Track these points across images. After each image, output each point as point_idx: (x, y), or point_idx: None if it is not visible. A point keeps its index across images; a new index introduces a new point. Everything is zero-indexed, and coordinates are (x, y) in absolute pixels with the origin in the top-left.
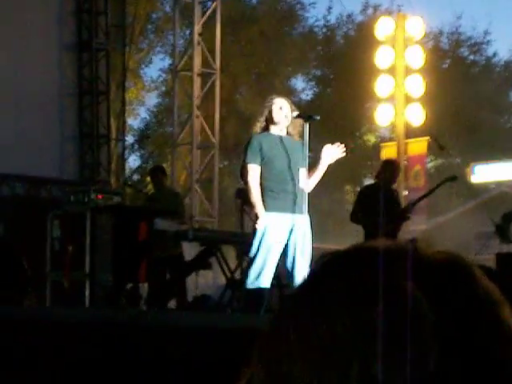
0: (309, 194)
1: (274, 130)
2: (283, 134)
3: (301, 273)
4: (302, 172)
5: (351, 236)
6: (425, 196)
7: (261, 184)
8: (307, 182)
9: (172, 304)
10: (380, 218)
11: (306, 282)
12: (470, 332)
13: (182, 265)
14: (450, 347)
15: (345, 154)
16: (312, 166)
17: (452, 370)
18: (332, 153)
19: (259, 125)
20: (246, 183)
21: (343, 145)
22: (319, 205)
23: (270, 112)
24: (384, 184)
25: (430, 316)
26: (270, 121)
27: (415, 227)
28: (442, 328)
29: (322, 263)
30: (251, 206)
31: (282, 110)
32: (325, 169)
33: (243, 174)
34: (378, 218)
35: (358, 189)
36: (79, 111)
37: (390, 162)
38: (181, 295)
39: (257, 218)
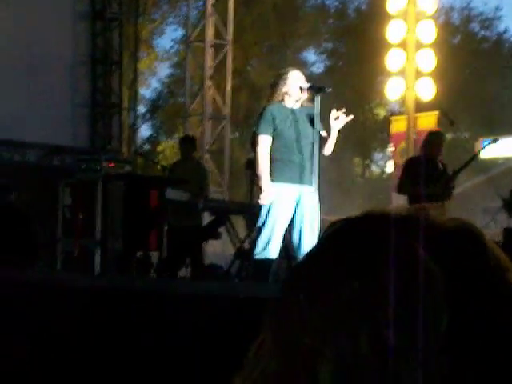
0: (318, 165)
1: (288, 101)
2: (297, 105)
3: (308, 245)
4: (322, 135)
5: (360, 208)
6: (467, 164)
7: (270, 155)
8: (325, 145)
9: (183, 273)
10: (425, 188)
11: (316, 248)
12: (480, 297)
13: (194, 235)
14: (461, 311)
15: (352, 117)
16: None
17: (463, 334)
18: (340, 118)
19: (274, 96)
20: (256, 153)
21: (344, 109)
22: (328, 177)
23: (285, 84)
24: (428, 156)
25: (440, 280)
26: (285, 92)
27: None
28: (453, 292)
29: (333, 230)
30: (259, 177)
31: (297, 82)
32: (336, 135)
33: (254, 144)
34: (424, 188)
35: (368, 162)
36: (92, 80)
37: (434, 133)
38: (195, 263)
39: (262, 193)
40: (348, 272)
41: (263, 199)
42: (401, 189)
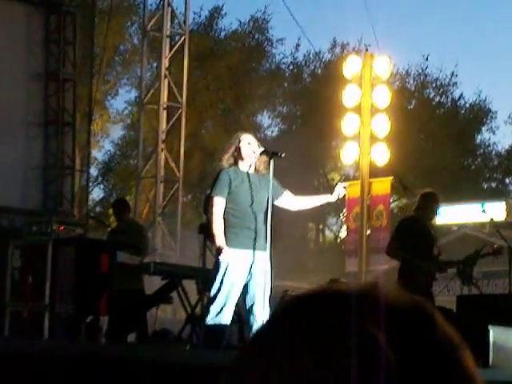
0: (271, 230)
1: (241, 165)
2: (251, 169)
3: (260, 310)
4: (287, 193)
5: (313, 273)
6: (475, 258)
7: (224, 219)
8: (297, 200)
9: (132, 337)
10: (417, 254)
11: (270, 322)
12: (431, 377)
13: (143, 299)
14: None
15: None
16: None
17: None
18: (341, 191)
19: (227, 160)
20: (210, 215)
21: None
22: (282, 241)
23: (238, 147)
24: (422, 218)
25: (394, 362)
26: (238, 156)
27: (377, 267)
28: (404, 373)
29: (287, 304)
30: (213, 239)
31: (250, 146)
32: (326, 201)
33: (207, 206)
34: (415, 255)
35: (321, 226)
36: (45, 141)
37: (430, 194)
38: (141, 329)
39: (218, 251)
40: (300, 349)
41: (221, 257)
42: (391, 252)
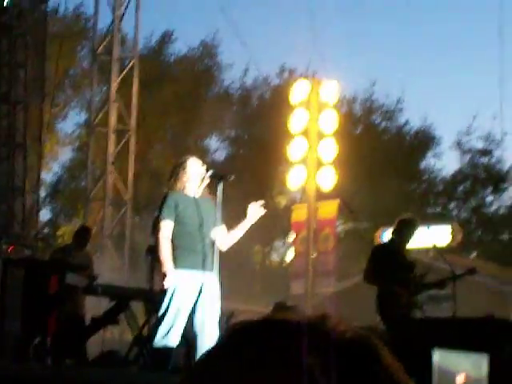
0: (219, 253)
1: (189, 189)
2: (198, 193)
3: (208, 332)
4: (221, 229)
5: (259, 296)
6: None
7: (172, 242)
8: (226, 238)
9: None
10: (394, 282)
11: (217, 348)
12: None
13: (84, 323)
14: None
15: (265, 211)
16: (231, 224)
17: None
18: (257, 211)
19: (175, 184)
20: (158, 239)
21: (263, 201)
22: (228, 264)
23: (185, 172)
24: (399, 244)
25: None
26: (185, 181)
27: (323, 290)
28: None
29: (235, 331)
30: (160, 263)
31: (197, 170)
32: (248, 226)
33: (155, 229)
34: (392, 283)
35: (267, 249)
36: None
37: (408, 220)
38: (80, 353)
39: (164, 277)
40: (242, 377)
41: (167, 283)
42: (366, 277)
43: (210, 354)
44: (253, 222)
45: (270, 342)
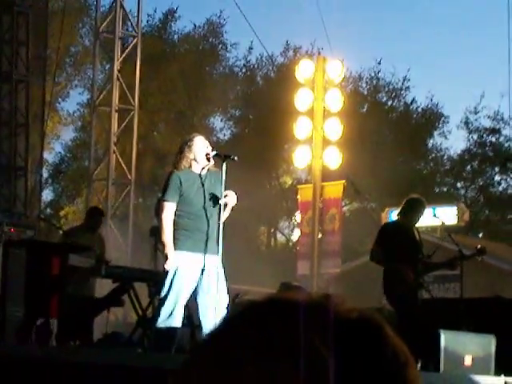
0: (223, 233)
1: (194, 167)
2: (204, 171)
3: (212, 314)
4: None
5: (265, 277)
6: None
7: (176, 221)
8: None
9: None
10: (402, 259)
11: (221, 328)
12: None
13: (92, 306)
14: None
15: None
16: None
17: None
18: (233, 199)
19: (180, 162)
20: (160, 220)
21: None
22: (233, 245)
23: (191, 150)
24: (407, 223)
25: (333, 371)
26: (191, 159)
27: (328, 270)
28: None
29: (239, 310)
30: (163, 244)
31: (203, 148)
32: (228, 213)
33: (159, 210)
34: (399, 262)
35: (273, 230)
36: None
37: (415, 199)
38: (86, 334)
39: (166, 259)
40: (245, 357)
41: (168, 266)
42: (374, 257)
43: (213, 334)
44: (229, 208)
45: (273, 321)
